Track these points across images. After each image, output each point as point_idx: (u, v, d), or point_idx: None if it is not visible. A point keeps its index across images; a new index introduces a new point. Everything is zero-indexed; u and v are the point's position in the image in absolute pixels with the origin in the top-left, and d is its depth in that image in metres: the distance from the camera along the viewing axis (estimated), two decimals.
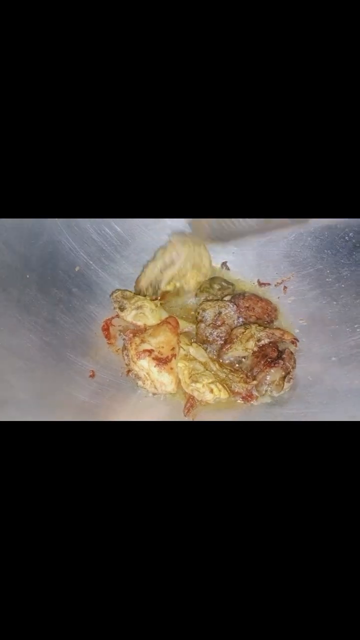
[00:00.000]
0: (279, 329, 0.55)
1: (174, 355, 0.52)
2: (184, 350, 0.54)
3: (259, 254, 0.63)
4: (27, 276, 0.52)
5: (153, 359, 0.51)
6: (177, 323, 0.56)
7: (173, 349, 0.52)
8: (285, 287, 0.61)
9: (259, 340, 0.54)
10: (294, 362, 0.53)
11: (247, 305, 0.57)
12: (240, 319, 0.57)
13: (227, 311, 0.57)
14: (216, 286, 0.60)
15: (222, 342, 0.55)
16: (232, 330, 0.55)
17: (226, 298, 0.58)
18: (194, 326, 0.58)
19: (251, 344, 0.53)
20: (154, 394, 0.52)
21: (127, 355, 0.53)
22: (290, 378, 0.53)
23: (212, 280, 0.60)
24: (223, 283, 0.60)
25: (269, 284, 0.62)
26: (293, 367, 0.53)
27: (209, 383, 0.49)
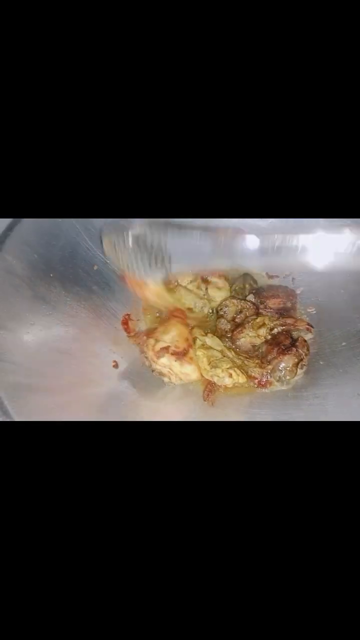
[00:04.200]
0: (291, 317, 0.58)
1: (190, 346, 0.55)
2: (200, 340, 0.56)
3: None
4: (51, 275, 0.55)
5: (171, 354, 0.53)
6: (184, 314, 0.58)
7: (187, 339, 0.55)
8: (293, 278, 0.63)
9: (271, 330, 0.57)
10: (307, 349, 0.56)
11: (270, 294, 0.60)
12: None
13: (248, 312, 0.59)
14: (247, 286, 0.62)
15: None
16: (245, 317, 0.58)
17: (249, 297, 0.61)
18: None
19: (263, 332, 0.56)
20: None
21: (147, 357, 0.55)
22: (304, 365, 0.55)
23: (244, 278, 0.62)
24: (251, 282, 0.62)
25: (277, 276, 0.64)
26: (306, 354, 0.56)
27: (228, 368, 0.51)
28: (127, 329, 0.60)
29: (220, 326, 0.59)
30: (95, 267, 0.61)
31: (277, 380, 0.54)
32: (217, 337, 0.58)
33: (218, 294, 0.61)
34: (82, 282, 0.58)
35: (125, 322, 0.60)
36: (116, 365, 0.54)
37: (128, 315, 0.61)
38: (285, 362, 0.54)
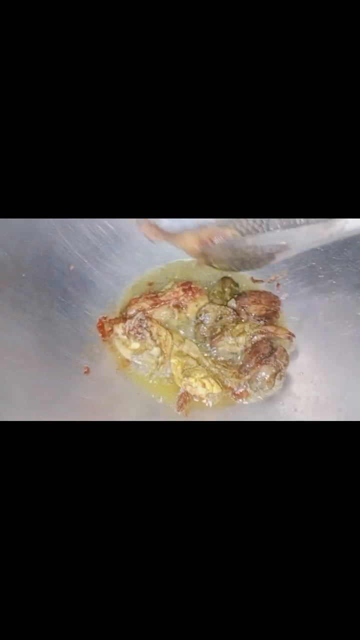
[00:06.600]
0: (272, 325, 0.56)
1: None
2: (177, 347, 0.54)
3: None
4: (23, 275, 0.52)
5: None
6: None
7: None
8: (278, 284, 0.61)
9: (252, 337, 0.55)
10: (287, 359, 0.54)
11: (252, 299, 0.58)
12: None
13: (228, 318, 0.57)
14: (227, 290, 0.59)
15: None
16: (224, 325, 0.56)
17: (230, 302, 0.58)
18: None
19: (242, 340, 0.54)
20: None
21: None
22: (282, 375, 0.53)
23: (224, 282, 0.60)
24: (231, 285, 0.60)
25: (262, 281, 0.62)
26: (285, 365, 0.54)
27: (202, 378, 0.49)
28: (102, 333, 0.57)
29: (200, 332, 0.57)
30: (72, 267, 0.58)
31: (255, 391, 0.52)
32: (196, 343, 0.56)
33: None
34: (57, 283, 0.56)
35: (100, 326, 0.58)
36: (88, 372, 0.52)
37: (104, 318, 0.58)
38: (264, 373, 0.52)
